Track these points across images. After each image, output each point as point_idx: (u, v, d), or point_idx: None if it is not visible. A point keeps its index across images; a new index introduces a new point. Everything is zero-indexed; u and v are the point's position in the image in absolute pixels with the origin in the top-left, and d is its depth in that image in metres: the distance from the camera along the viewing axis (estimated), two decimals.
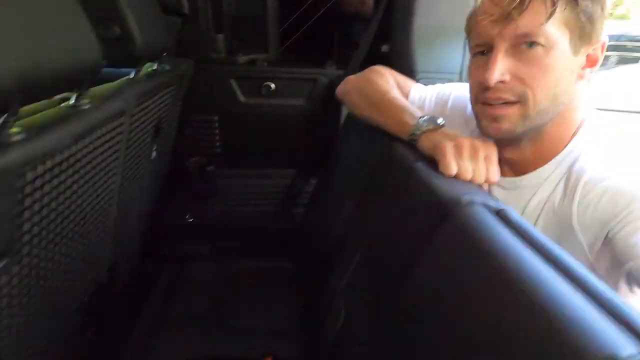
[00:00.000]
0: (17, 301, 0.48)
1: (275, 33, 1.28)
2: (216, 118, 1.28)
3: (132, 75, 0.78)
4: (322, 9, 1.31)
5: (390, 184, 0.64)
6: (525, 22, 0.51)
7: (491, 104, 0.56)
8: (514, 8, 0.50)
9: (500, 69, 0.53)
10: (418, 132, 0.62)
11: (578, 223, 0.51)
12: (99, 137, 0.58)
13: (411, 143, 0.64)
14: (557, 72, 0.52)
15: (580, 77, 0.55)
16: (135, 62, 0.77)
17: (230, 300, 1.02)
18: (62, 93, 0.55)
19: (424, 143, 0.61)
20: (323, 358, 0.72)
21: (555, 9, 0.50)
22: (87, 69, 0.53)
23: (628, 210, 0.46)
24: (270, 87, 1.24)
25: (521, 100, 0.54)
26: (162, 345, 0.88)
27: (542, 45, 0.51)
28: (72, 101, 0.54)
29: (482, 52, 0.57)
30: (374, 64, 0.89)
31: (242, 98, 1.26)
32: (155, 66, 0.92)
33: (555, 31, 0.51)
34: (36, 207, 0.45)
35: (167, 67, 0.96)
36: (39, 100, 0.49)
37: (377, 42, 1.17)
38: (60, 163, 0.47)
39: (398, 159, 0.62)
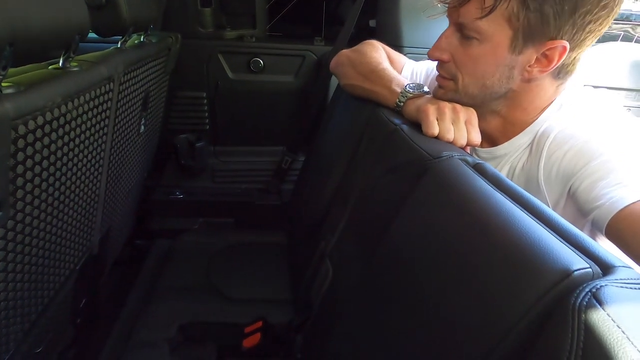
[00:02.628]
0: (11, 259, 0.49)
1: (263, 9, 1.27)
2: (204, 94, 1.28)
3: (118, 45, 0.78)
4: None
5: (375, 147, 0.67)
6: (463, 14, 0.53)
7: (439, 73, 0.61)
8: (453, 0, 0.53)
9: (442, 48, 0.57)
10: (404, 99, 0.65)
11: (544, 181, 0.54)
12: (88, 101, 0.59)
13: (397, 109, 0.66)
14: (486, 65, 0.54)
15: (529, 74, 0.53)
16: (121, 32, 0.77)
17: (222, 271, 1.04)
18: (50, 56, 0.55)
19: (409, 108, 0.63)
20: (312, 319, 0.75)
21: (494, 8, 0.49)
22: (75, 33, 0.53)
23: (587, 166, 0.49)
24: (260, 63, 1.24)
25: (453, 79, 0.58)
26: (153, 313, 0.90)
27: (476, 38, 0.53)
28: (60, 63, 0.55)
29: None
30: (362, 39, 0.90)
31: (230, 74, 1.26)
32: (142, 38, 0.92)
33: (491, 27, 0.51)
34: (28, 163, 0.46)
35: (154, 40, 0.96)
36: (27, 62, 0.50)
37: (365, 18, 1.18)
38: (51, 121, 0.48)
39: (383, 123, 0.65)
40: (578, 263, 0.29)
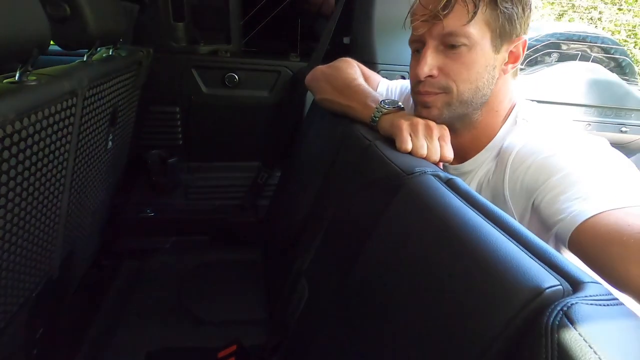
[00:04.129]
0: None
1: (238, 24, 1.27)
2: (177, 109, 1.25)
3: (84, 58, 0.75)
4: (285, 2, 1.32)
5: (349, 163, 0.66)
6: (449, 23, 0.56)
7: (422, 93, 0.62)
8: (439, 10, 0.55)
9: (429, 64, 0.59)
10: (379, 114, 0.65)
11: (509, 195, 0.56)
12: (48, 117, 0.55)
13: (372, 125, 0.67)
14: (478, 67, 0.58)
15: (504, 71, 0.60)
16: (88, 45, 0.75)
17: (194, 292, 1.00)
18: (4, 69, 0.52)
19: (384, 124, 0.64)
20: (288, 340, 0.72)
21: (476, 12, 0.54)
22: (33, 45, 0.50)
23: (549, 181, 0.51)
24: (234, 78, 1.23)
25: (445, 91, 0.60)
26: (121, 339, 0.84)
27: (465, 45, 0.56)
28: (16, 77, 0.51)
29: (417, 49, 0.62)
30: (336, 56, 0.91)
31: (204, 89, 1.24)
32: (110, 51, 0.89)
33: (476, 31, 0.56)
34: None
35: (124, 54, 0.93)
36: None
37: (339, 35, 1.20)
38: (2, 138, 0.45)
39: (358, 139, 0.65)
40: (549, 280, 0.29)
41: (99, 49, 0.85)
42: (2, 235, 0.52)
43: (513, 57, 0.59)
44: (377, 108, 0.66)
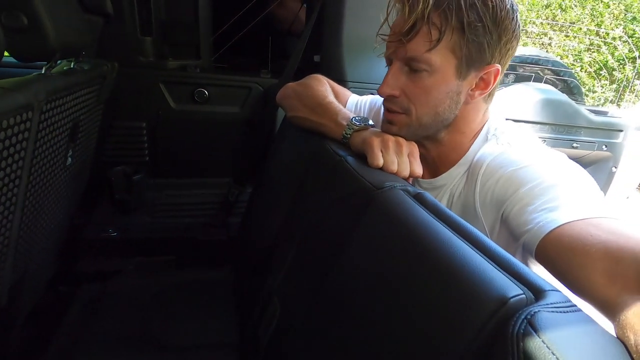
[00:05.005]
0: None
1: (208, 39, 1.27)
2: (144, 124, 1.21)
3: (42, 71, 0.71)
4: (256, 19, 1.34)
5: (321, 179, 0.66)
6: (412, 48, 0.57)
7: (386, 109, 0.64)
8: (403, 34, 0.57)
9: (392, 84, 0.61)
10: (350, 132, 0.66)
11: (480, 207, 0.58)
12: None
13: (344, 141, 0.68)
14: (438, 93, 0.59)
15: (471, 97, 0.60)
16: (47, 57, 0.71)
17: (159, 316, 0.95)
18: None
19: (355, 140, 0.65)
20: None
21: (439, 40, 0.55)
22: None
23: (517, 193, 0.53)
24: (204, 94, 1.21)
25: (406, 113, 0.62)
26: None
27: (426, 70, 0.58)
28: None
29: (389, 65, 0.63)
30: (307, 73, 0.92)
31: (173, 104, 1.21)
32: (72, 64, 0.85)
33: (439, 58, 0.56)
34: None
35: (86, 67, 0.90)
36: None
37: (310, 53, 1.22)
38: None
39: (329, 155, 0.65)
40: (513, 290, 0.29)
41: (59, 61, 0.82)
42: None
43: (483, 84, 0.59)
44: (348, 125, 0.67)
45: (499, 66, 0.58)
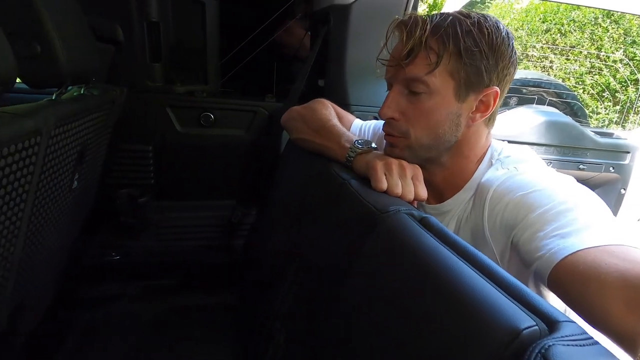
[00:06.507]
0: None
1: (215, 65, 1.30)
2: (150, 148, 1.23)
3: (53, 97, 0.73)
4: (262, 45, 1.38)
5: (324, 202, 0.66)
6: (410, 70, 0.59)
7: (386, 133, 0.65)
8: (402, 58, 0.59)
9: (392, 107, 0.62)
10: (353, 154, 0.67)
11: (489, 233, 0.56)
12: (6, 156, 0.52)
13: (347, 164, 0.68)
14: (438, 116, 0.59)
15: (472, 120, 0.60)
16: (57, 84, 0.73)
17: (158, 343, 0.92)
18: None
19: (358, 163, 0.65)
20: None
21: (438, 63, 0.56)
22: None
23: (527, 218, 0.51)
24: (210, 117, 1.23)
25: (405, 136, 0.62)
26: None
27: (426, 92, 0.59)
28: None
29: (389, 88, 0.65)
30: (311, 97, 0.94)
31: (179, 127, 1.23)
32: (82, 90, 0.87)
33: (438, 81, 0.57)
34: None
35: (96, 92, 0.92)
36: None
37: (314, 77, 1.25)
38: None
39: (332, 177, 0.65)
40: (525, 321, 0.28)
41: (69, 87, 0.84)
42: None
43: (483, 107, 0.60)
44: (351, 148, 0.68)
45: (497, 89, 0.59)
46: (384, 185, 0.57)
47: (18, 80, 0.63)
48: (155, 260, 1.23)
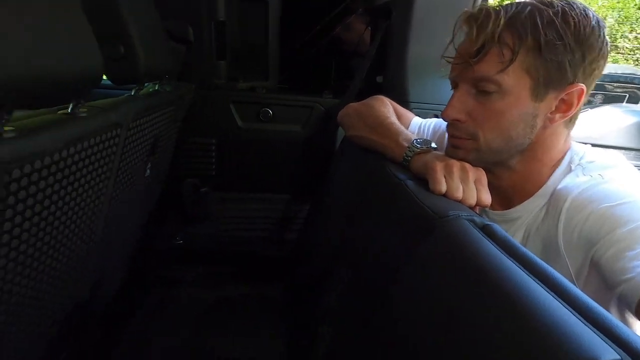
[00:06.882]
0: None
1: (276, 62, 1.34)
2: (214, 141, 1.30)
3: (132, 93, 0.80)
4: (322, 42, 1.38)
5: (379, 201, 0.64)
6: (481, 68, 0.53)
7: (450, 135, 0.61)
8: (471, 56, 0.54)
9: (457, 108, 0.57)
10: (411, 154, 0.64)
11: (564, 246, 0.51)
12: (92, 146, 0.59)
13: (404, 164, 0.65)
14: (511, 116, 0.54)
15: (551, 121, 0.55)
16: (136, 81, 0.80)
17: (215, 327, 0.98)
18: (61, 102, 0.57)
19: (416, 163, 0.62)
20: None
21: (512, 60, 0.51)
22: (88, 81, 0.54)
23: (613, 233, 0.45)
24: (268, 113, 1.27)
25: (473, 138, 0.57)
26: None
27: (497, 92, 0.53)
28: (69, 109, 0.56)
29: (454, 88, 0.60)
30: (369, 94, 0.92)
31: (240, 122, 1.29)
32: (156, 87, 0.95)
33: (512, 79, 0.52)
34: (19, 207, 0.45)
35: (168, 89, 1.00)
36: (38, 107, 0.51)
37: (372, 73, 1.22)
38: (49, 166, 0.48)
39: (389, 177, 0.63)
40: (606, 352, 0.25)
41: (146, 84, 0.91)
42: (38, 257, 0.54)
43: (565, 106, 0.54)
44: (409, 147, 0.65)
45: (583, 86, 0.52)
46: (443, 187, 0.54)
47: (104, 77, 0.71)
48: (213, 248, 1.31)
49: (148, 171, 0.96)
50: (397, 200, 0.57)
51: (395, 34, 1.12)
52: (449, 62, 0.59)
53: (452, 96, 0.58)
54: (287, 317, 1.00)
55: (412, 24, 1.08)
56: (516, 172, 0.60)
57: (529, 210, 0.58)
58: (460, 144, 0.59)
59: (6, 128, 0.41)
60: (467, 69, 0.55)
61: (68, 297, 0.72)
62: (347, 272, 0.68)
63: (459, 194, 0.53)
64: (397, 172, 0.63)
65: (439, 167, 0.56)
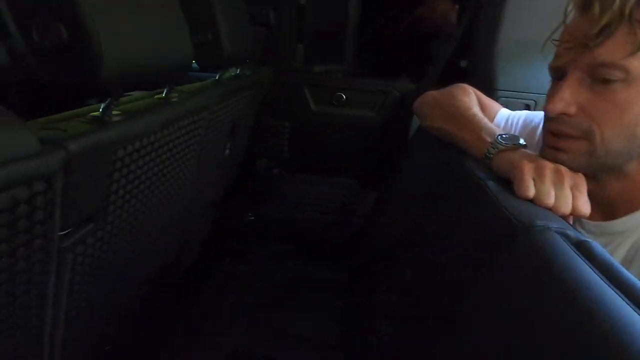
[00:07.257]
0: (94, 265, 0.55)
1: (352, 46, 1.31)
2: (287, 124, 1.34)
3: (216, 77, 0.86)
4: (402, 24, 1.31)
5: (455, 200, 0.60)
6: (604, 52, 0.44)
7: (555, 134, 0.51)
8: (592, 37, 0.45)
9: (566, 99, 0.48)
10: (494, 150, 0.58)
11: None
12: (183, 127, 0.64)
13: (485, 161, 0.59)
14: (636, 110, 0.45)
15: None
16: (222, 66, 0.85)
17: (278, 302, 1.04)
18: (157, 87, 0.63)
19: (500, 161, 0.56)
20: None
21: None
22: (180, 68, 0.59)
23: None
24: (342, 98, 1.26)
25: (586, 137, 0.48)
26: (207, 335, 0.93)
27: (622, 80, 0.44)
28: (163, 94, 0.61)
29: (559, 77, 0.51)
30: (450, 79, 0.85)
31: (313, 106, 1.30)
32: (238, 71, 1.00)
33: None
34: (122, 181, 0.51)
35: (248, 73, 1.04)
36: (138, 90, 0.57)
37: (456, 57, 1.13)
38: (147, 145, 0.54)
39: (467, 175, 0.58)
40: None
41: (229, 68, 0.97)
42: (137, 224, 0.62)
43: None
44: (492, 143, 0.58)
45: None
46: (531, 192, 0.47)
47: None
48: (281, 227, 1.37)
49: (227, 151, 1.03)
50: (474, 202, 0.53)
51: (486, 13, 1.01)
52: (561, 47, 0.50)
53: (559, 86, 0.49)
54: (346, 302, 1.02)
55: (508, 1, 0.96)
56: (627, 178, 0.50)
57: (637, 223, 0.49)
58: (566, 146, 0.51)
59: (114, 112, 0.47)
60: (582, 54, 0.47)
61: (160, 259, 0.82)
62: (408, 271, 0.66)
63: (550, 200, 0.47)
64: (477, 171, 0.57)
65: (528, 168, 0.49)
